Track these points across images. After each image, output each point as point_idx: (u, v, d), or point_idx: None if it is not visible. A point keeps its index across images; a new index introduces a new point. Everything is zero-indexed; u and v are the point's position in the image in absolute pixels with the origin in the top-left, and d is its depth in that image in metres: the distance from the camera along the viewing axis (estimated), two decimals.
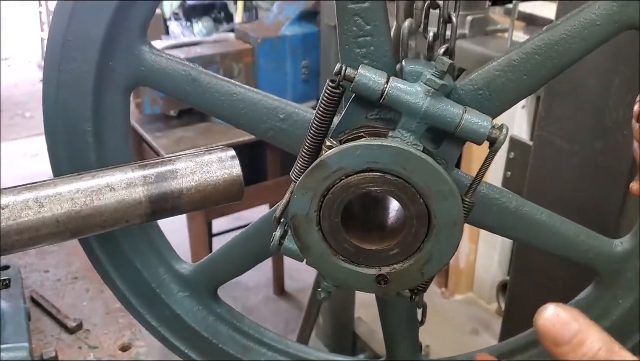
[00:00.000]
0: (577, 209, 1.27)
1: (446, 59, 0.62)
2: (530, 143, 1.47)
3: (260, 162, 2.85)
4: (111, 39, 0.73)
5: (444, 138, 0.66)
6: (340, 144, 0.65)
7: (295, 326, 2.83)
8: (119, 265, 0.85)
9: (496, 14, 1.92)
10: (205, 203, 0.76)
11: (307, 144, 0.68)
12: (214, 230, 3.22)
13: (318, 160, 0.64)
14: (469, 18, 1.73)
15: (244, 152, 2.48)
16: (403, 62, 0.68)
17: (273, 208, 0.74)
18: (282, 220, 0.71)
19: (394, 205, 0.70)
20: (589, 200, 1.27)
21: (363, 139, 0.66)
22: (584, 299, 0.84)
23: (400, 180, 0.62)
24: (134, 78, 0.76)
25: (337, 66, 0.64)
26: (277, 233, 0.70)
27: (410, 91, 0.63)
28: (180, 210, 0.76)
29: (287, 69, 2.55)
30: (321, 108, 0.67)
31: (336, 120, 0.68)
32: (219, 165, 0.76)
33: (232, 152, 0.78)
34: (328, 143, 0.65)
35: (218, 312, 0.90)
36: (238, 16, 3.27)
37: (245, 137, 2.46)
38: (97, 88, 0.75)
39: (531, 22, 1.89)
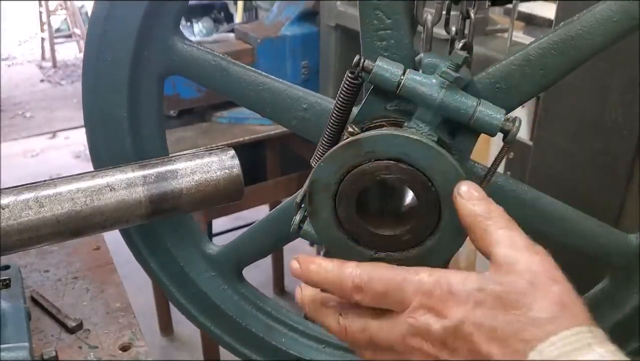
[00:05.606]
0: (577, 209, 1.27)
1: (461, 53, 0.63)
2: (530, 143, 1.47)
3: (260, 162, 2.84)
4: (146, 30, 0.76)
5: (459, 130, 0.68)
6: (362, 131, 0.67)
7: None
8: (152, 246, 0.89)
9: (496, 14, 1.91)
10: (205, 203, 0.77)
11: (327, 133, 0.71)
12: (214, 230, 3.21)
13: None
14: None
15: (244, 152, 2.48)
16: (421, 55, 0.70)
17: (294, 195, 0.76)
18: (302, 206, 0.73)
19: (408, 195, 0.71)
20: (589, 200, 1.27)
21: (393, 128, 0.67)
22: (600, 291, 0.86)
23: (420, 174, 0.64)
24: (167, 67, 0.80)
25: (356, 58, 0.66)
26: (297, 217, 0.73)
27: (425, 83, 0.65)
28: (181, 210, 0.76)
29: (287, 69, 2.55)
30: (340, 99, 0.69)
31: (355, 110, 0.70)
32: (219, 165, 0.76)
33: (232, 152, 0.78)
34: (350, 129, 0.67)
35: (242, 292, 0.94)
36: (238, 16, 3.27)
37: (245, 137, 2.46)
38: (133, 76, 0.78)
39: (531, 22, 1.89)
